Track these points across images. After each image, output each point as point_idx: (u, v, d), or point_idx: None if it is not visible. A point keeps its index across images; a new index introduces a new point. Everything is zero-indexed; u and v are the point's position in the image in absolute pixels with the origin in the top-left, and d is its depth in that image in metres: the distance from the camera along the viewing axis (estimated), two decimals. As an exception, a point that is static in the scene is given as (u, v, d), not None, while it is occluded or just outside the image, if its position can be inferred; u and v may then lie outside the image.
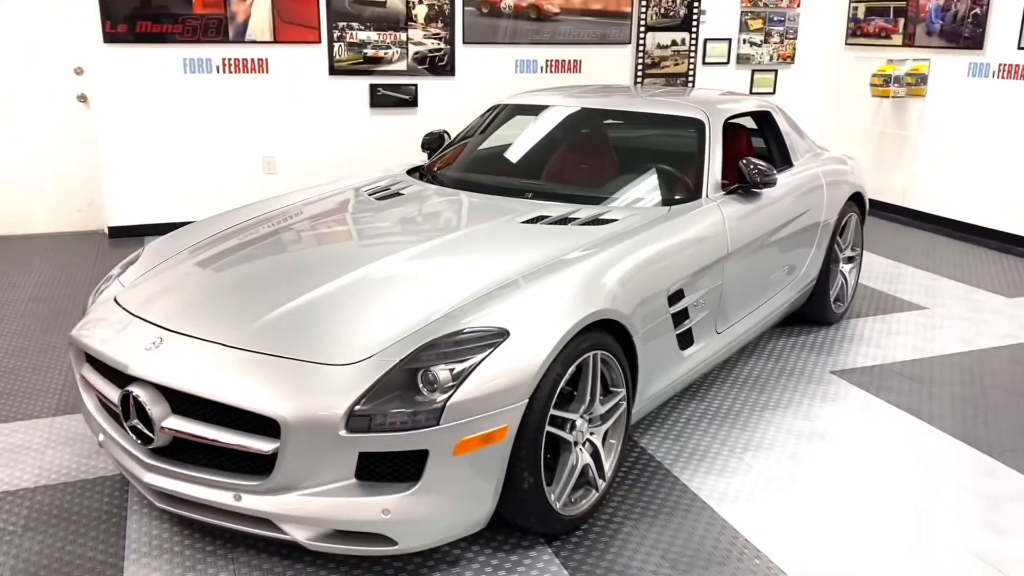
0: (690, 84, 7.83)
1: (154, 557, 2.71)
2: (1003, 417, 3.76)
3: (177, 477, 2.58)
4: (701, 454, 3.39)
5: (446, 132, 4.73)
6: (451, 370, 2.44)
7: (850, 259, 4.93)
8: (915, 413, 3.77)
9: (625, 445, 3.05)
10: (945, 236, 6.96)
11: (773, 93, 8.19)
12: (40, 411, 3.71)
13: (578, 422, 2.78)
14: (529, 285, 2.77)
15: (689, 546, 2.79)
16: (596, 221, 3.37)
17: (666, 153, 4.02)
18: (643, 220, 3.38)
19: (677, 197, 3.70)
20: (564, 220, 3.38)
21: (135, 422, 2.60)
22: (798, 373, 4.18)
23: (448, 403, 2.39)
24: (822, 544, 2.82)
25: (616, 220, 3.37)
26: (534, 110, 4.36)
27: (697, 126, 3.94)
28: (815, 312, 4.72)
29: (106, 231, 6.61)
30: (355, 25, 6.73)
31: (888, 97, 7.41)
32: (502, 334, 2.54)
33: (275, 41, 6.55)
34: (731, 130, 4.39)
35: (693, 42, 7.74)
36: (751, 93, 8.05)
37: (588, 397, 2.80)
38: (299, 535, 2.47)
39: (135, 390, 2.57)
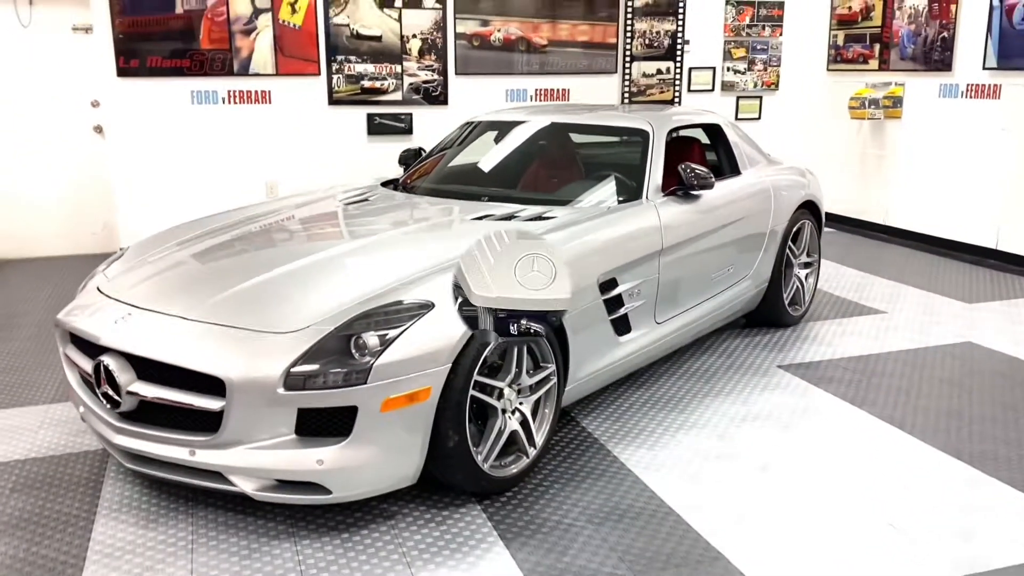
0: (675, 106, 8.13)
1: (123, 513, 3.02)
2: (932, 402, 3.97)
3: (141, 437, 2.90)
4: (636, 432, 3.64)
5: (422, 148, 5.08)
6: (381, 336, 2.74)
7: (806, 265, 5.17)
8: (849, 400, 3.99)
9: (558, 417, 3.32)
10: (923, 251, 7.15)
11: (759, 118, 8.49)
12: (38, 400, 4.06)
13: (506, 391, 3.06)
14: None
15: (608, 504, 3.05)
16: (537, 218, 3.67)
17: (616, 161, 4.34)
18: (580, 217, 3.69)
19: (621, 199, 4.00)
20: (508, 217, 3.70)
21: (106, 388, 2.93)
22: (746, 367, 4.42)
23: (375, 364, 2.69)
24: (734, 507, 3.05)
25: (555, 217, 3.68)
26: (502, 125, 4.70)
27: (643, 135, 4.25)
28: (771, 314, 4.96)
29: (119, 252, 7.03)
30: (353, 58, 7.16)
31: (865, 119, 7.69)
32: (427, 306, 2.85)
33: (277, 74, 6.99)
34: (684, 142, 4.71)
35: (678, 71, 8.09)
36: (736, 119, 8.36)
37: (515, 368, 3.08)
38: (246, 486, 2.77)
39: (105, 359, 2.91)
